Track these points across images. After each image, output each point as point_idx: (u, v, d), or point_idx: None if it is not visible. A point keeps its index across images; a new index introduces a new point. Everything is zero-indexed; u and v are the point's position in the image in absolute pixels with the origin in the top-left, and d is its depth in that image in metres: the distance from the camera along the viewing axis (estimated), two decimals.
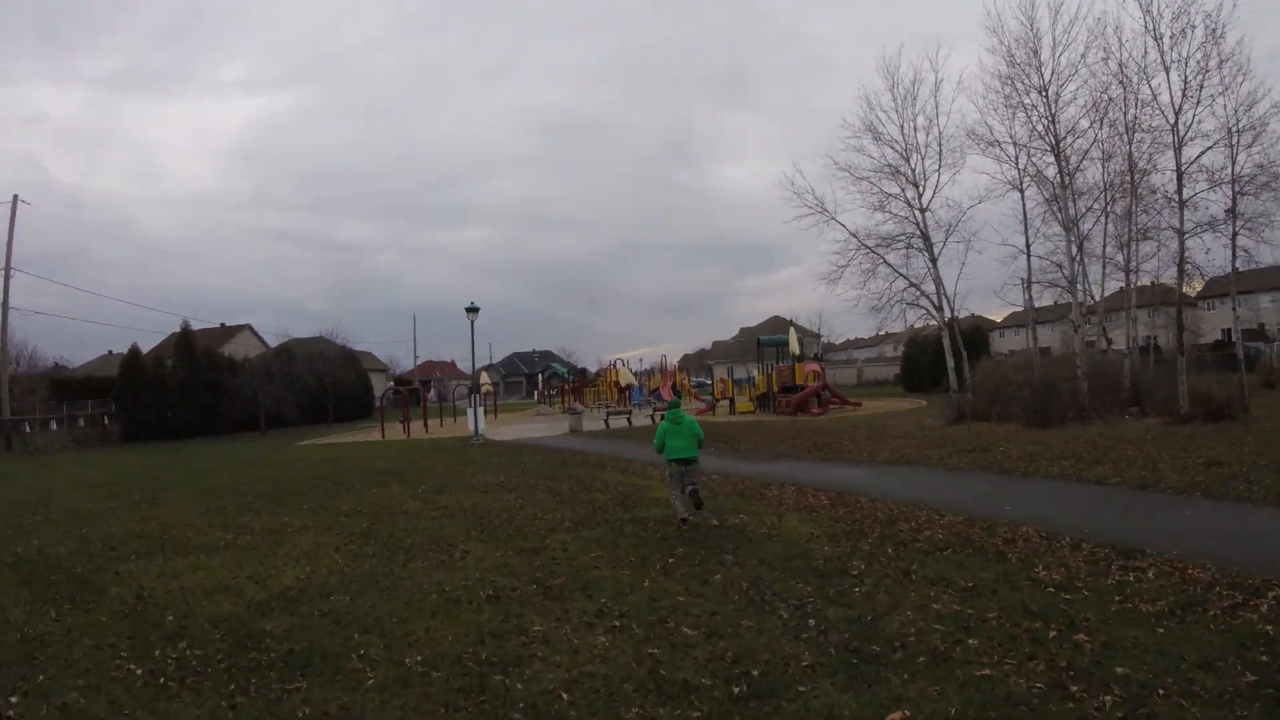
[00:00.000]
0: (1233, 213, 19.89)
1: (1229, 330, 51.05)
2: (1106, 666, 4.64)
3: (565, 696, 4.67)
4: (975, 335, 37.64)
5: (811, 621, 5.75)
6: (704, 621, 5.89)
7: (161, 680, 5.34)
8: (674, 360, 68.47)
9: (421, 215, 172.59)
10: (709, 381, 64.35)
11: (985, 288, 44.85)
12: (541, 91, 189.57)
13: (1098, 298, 25.23)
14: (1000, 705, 4.22)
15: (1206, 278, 23.30)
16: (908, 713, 4.19)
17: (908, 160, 25.00)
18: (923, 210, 25.02)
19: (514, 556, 8.45)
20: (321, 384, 44.38)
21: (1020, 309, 34.03)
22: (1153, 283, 25.77)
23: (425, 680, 5.07)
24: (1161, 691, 4.26)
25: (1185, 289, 22.84)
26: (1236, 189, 19.71)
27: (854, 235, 25.97)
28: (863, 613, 5.91)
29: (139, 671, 5.52)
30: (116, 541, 10.62)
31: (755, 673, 4.84)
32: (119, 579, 8.45)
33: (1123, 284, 26.15)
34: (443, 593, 7.11)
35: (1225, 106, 19.28)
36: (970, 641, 5.18)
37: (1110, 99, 21.16)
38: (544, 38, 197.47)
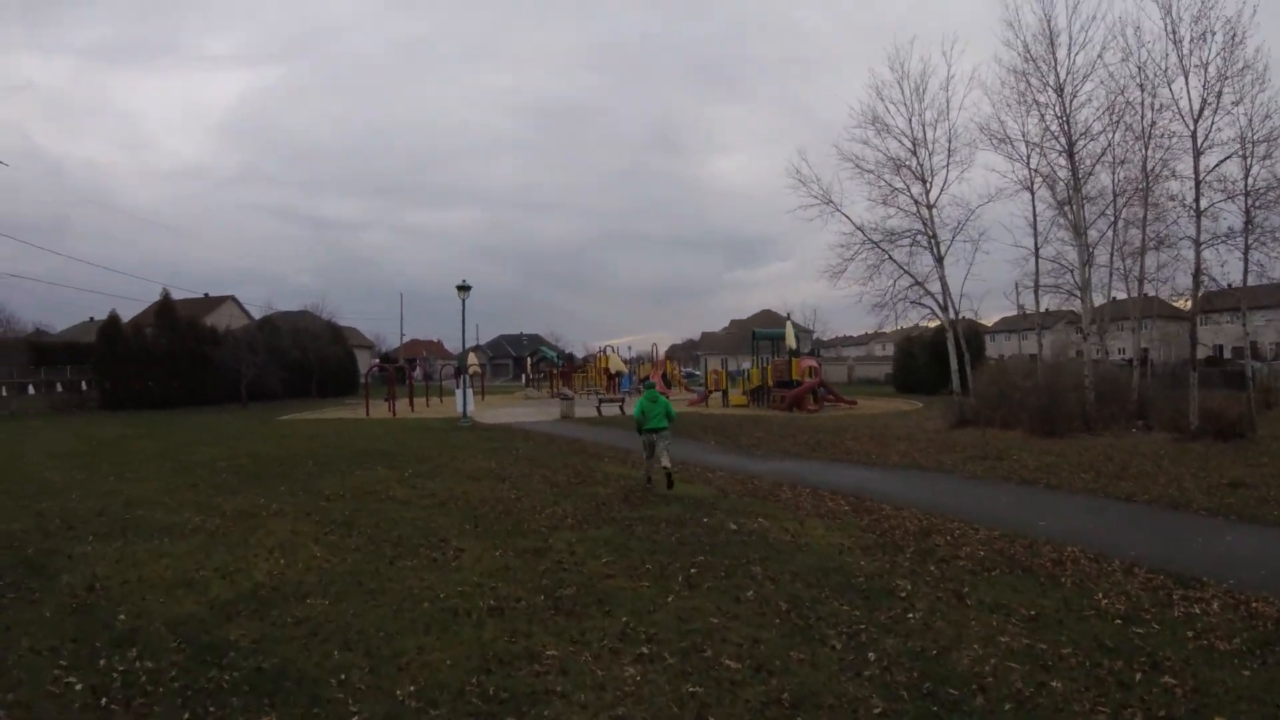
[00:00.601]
0: (1248, 225, 19.13)
1: (1221, 346, 50.77)
2: (1204, 716, 4.07)
3: None
4: (974, 339, 36.77)
5: (871, 655, 4.96)
6: (746, 651, 5.07)
7: (104, 700, 4.47)
8: (663, 349, 67.70)
9: (408, 194, 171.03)
10: (698, 372, 63.58)
11: (985, 290, 44.38)
12: (526, 75, 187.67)
13: (1097, 305, 24.55)
14: None
15: (1215, 288, 22.54)
16: None
17: (915, 154, 24.31)
18: (930, 206, 24.34)
19: (515, 558, 7.60)
20: (306, 357, 43.32)
21: (1013, 313, 33.35)
22: (1144, 295, 25.12)
23: None
24: None
25: (1185, 303, 22.10)
26: (1250, 201, 18.93)
27: (859, 229, 25.25)
28: (925, 645, 5.13)
29: (79, 687, 4.66)
30: (77, 519, 9.70)
31: None
32: (72, 564, 7.56)
33: (1120, 293, 25.56)
34: (436, 600, 6.26)
35: (1242, 116, 18.48)
36: (1054, 684, 4.49)
37: (1128, 102, 20.45)
38: (526, 21, 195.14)
